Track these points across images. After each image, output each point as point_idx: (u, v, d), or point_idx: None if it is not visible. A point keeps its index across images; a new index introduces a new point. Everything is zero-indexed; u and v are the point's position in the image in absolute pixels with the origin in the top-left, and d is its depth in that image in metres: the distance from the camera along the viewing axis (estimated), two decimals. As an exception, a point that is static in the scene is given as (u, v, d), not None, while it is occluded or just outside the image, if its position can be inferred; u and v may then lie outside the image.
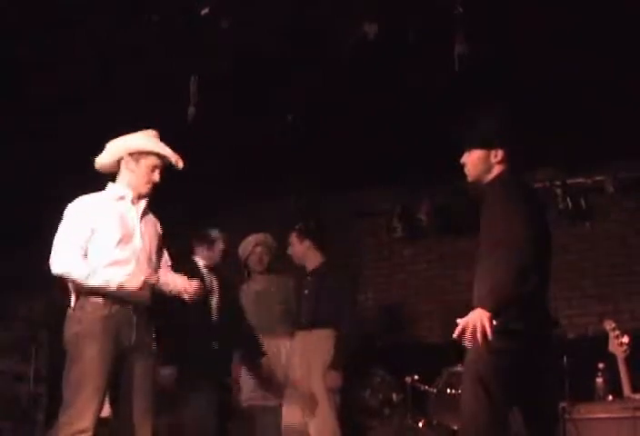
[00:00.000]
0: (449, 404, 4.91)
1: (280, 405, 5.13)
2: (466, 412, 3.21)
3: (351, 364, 5.03)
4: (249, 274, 5.63)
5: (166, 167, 3.81)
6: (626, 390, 4.49)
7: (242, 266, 5.65)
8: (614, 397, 4.69)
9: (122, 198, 3.73)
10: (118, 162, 3.77)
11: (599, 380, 4.82)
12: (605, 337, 4.69)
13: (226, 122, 5.41)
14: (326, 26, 4.52)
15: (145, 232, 3.72)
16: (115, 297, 3.54)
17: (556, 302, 4.55)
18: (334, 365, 4.94)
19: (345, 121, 5.56)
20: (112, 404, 3.61)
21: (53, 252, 3.55)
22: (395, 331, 6.69)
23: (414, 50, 4.52)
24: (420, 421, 5.15)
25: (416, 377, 5.26)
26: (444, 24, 4.23)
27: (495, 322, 3.03)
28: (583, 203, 6.14)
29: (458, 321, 3.09)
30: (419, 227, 6.60)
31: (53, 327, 3.96)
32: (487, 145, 3.42)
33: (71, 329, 3.54)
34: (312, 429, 4.96)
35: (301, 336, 5.19)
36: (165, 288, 3.78)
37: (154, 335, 3.73)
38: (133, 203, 3.74)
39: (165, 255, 3.93)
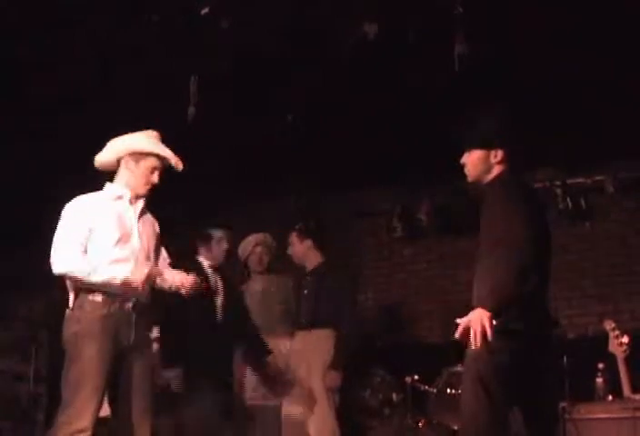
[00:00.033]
0: (449, 404, 4.91)
1: (280, 405, 5.14)
2: (466, 412, 3.21)
3: (351, 364, 5.03)
4: (249, 274, 5.63)
5: (166, 168, 3.81)
6: (626, 390, 4.50)
7: (242, 266, 5.65)
8: (614, 397, 4.69)
9: (120, 198, 3.73)
10: (118, 161, 3.77)
11: (599, 380, 4.82)
12: (605, 337, 4.69)
13: (226, 122, 5.41)
14: (326, 26, 4.52)
15: (142, 231, 3.72)
16: (115, 295, 3.54)
17: (556, 302, 4.55)
18: (333, 365, 4.95)
19: (345, 121, 5.56)
20: (111, 404, 3.61)
21: (53, 252, 3.55)
22: (395, 331, 6.69)
23: (414, 50, 4.52)
24: (420, 420, 5.16)
25: (416, 377, 5.26)
26: (444, 24, 4.23)
27: (495, 322, 3.03)
28: (583, 203, 6.15)
29: (458, 321, 3.10)
30: (419, 227, 6.60)
31: (53, 327, 3.96)
32: (487, 145, 3.42)
33: (70, 328, 3.53)
34: (311, 428, 4.96)
35: (301, 336, 5.19)
36: (164, 285, 3.77)
37: (158, 335, 3.72)
38: (130, 202, 3.74)
39: (164, 253, 3.93)
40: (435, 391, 5.12)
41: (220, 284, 4.98)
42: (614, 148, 5.69)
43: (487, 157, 3.42)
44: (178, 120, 4.68)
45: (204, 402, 4.67)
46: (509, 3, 4.34)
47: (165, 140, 3.82)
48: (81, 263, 3.51)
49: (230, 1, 4.37)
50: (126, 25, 4.51)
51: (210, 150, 5.62)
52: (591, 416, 4.52)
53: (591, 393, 4.81)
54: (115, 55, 4.74)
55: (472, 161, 3.45)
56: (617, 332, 4.65)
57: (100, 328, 3.49)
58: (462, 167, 3.49)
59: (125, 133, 3.80)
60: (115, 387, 3.53)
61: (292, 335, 5.28)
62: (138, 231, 3.69)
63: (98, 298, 3.53)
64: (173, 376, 4.60)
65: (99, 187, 3.78)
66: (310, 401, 4.98)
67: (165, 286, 3.78)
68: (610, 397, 4.72)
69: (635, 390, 4.48)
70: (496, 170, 3.42)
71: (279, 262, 5.66)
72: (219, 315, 4.89)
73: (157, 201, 3.80)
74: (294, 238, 5.39)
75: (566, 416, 4.50)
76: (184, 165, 3.80)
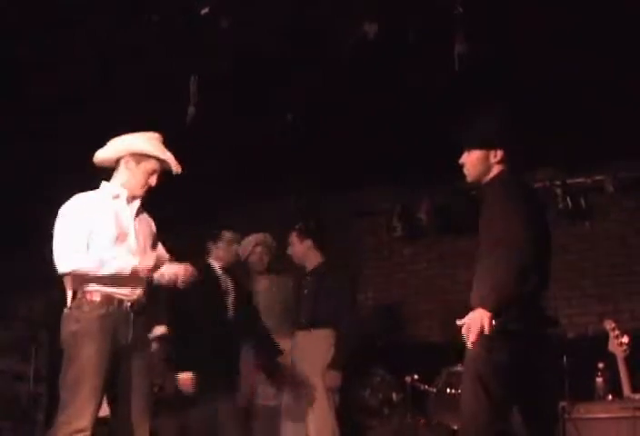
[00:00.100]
0: (449, 404, 4.91)
1: (280, 405, 5.14)
2: (466, 412, 3.21)
3: (351, 364, 5.03)
4: (249, 274, 5.64)
5: (165, 170, 3.81)
6: (626, 389, 4.50)
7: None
8: (613, 397, 4.69)
9: (117, 197, 3.72)
10: (118, 160, 3.76)
11: (599, 379, 4.82)
12: (605, 337, 4.70)
13: (226, 122, 5.41)
14: (326, 26, 4.52)
15: (139, 231, 3.72)
16: (113, 294, 3.54)
17: (556, 301, 4.57)
18: (333, 365, 4.95)
19: (345, 121, 5.56)
20: (110, 403, 3.60)
21: (56, 252, 3.53)
22: (395, 331, 6.69)
23: (414, 50, 4.52)
24: (420, 420, 5.16)
25: (416, 377, 5.27)
26: (444, 24, 4.23)
27: (494, 322, 3.03)
28: (583, 202, 6.15)
29: (458, 322, 3.10)
30: (419, 227, 6.60)
31: (52, 327, 3.94)
32: (487, 145, 3.42)
33: (68, 328, 3.52)
34: (311, 428, 4.96)
35: (300, 336, 5.19)
36: (162, 279, 3.77)
37: (158, 335, 3.72)
38: (127, 202, 3.74)
39: (162, 250, 3.92)
40: (434, 390, 5.13)
41: (230, 285, 5.01)
42: (614, 148, 5.69)
43: (487, 157, 3.42)
44: (178, 120, 4.68)
45: (211, 403, 4.69)
46: (509, 3, 4.34)
47: (166, 140, 3.82)
48: (87, 259, 3.51)
49: (230, 1, 4.37)
50: (126, 25, 4.51)
51: (210, 150, 5.62)
52: (591, 416, 4.53)
53: (591, 393, 4.82)
54: (115, 55, 4.74)
55: (471, 161, 3.45)
56: (617, 332, 4.65)
57: (98, 327, 3.49)
58: (462, 167, 3.49)
59: (125, 133, 3.79)
60: (113, 387, 3.53)
61: (292, 335, 5.28)
62: (135, 230, 3.69)
63: (97, 297, 3.53)
64: (183, 378, 4.62)
65: (98, 187, 3.78)
66: (310, 400, 4.98)
67: (163, 281, 3.78)
68: (610, 397, 4.73)
69: (634, 389, 4.49)
70: (496, 170, 3.42)
71: (279, 262, 5.66)
72: (230, 315, 4.92)
73: (157, 201, 3.80)
74: (294, 238, 5.39)
75: (566, 416, 4.50)
76: (184, 165, 3.80)
